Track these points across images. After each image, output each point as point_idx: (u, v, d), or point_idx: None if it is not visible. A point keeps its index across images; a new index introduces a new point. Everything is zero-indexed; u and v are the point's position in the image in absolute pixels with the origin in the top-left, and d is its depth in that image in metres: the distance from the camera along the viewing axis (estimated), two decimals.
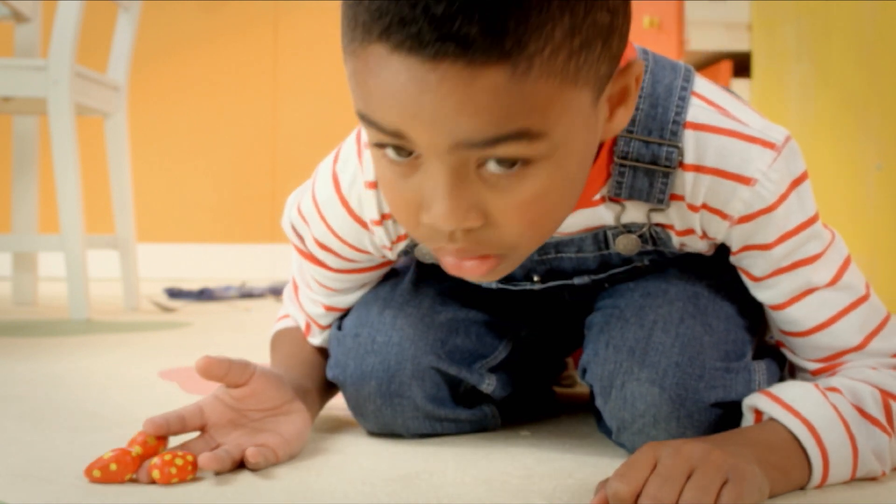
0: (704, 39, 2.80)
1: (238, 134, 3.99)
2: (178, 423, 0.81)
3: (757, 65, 2.77)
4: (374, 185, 0.87)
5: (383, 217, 0.88)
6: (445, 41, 0.61)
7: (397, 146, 0.67)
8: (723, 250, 0.89)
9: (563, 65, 0.63)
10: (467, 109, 0.63)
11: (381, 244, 0.91)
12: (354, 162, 0.88)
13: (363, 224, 0.90)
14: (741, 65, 2.83)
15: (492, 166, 0.66)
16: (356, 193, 0.88)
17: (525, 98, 0.63)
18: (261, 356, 1.70)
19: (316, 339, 1.02)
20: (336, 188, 0.89)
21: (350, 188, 0.89)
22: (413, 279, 0.98)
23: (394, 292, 0.96)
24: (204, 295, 2.86)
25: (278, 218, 3.93)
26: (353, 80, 0.67)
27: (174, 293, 2.89)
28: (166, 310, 2.49)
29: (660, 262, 0.90)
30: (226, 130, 3.99)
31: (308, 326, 1.02)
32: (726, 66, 2.81)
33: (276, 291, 3.00)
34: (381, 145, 0.68)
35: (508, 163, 0.66)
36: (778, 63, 2.66)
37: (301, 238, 0.96)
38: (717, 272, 0.90)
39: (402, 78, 0.63)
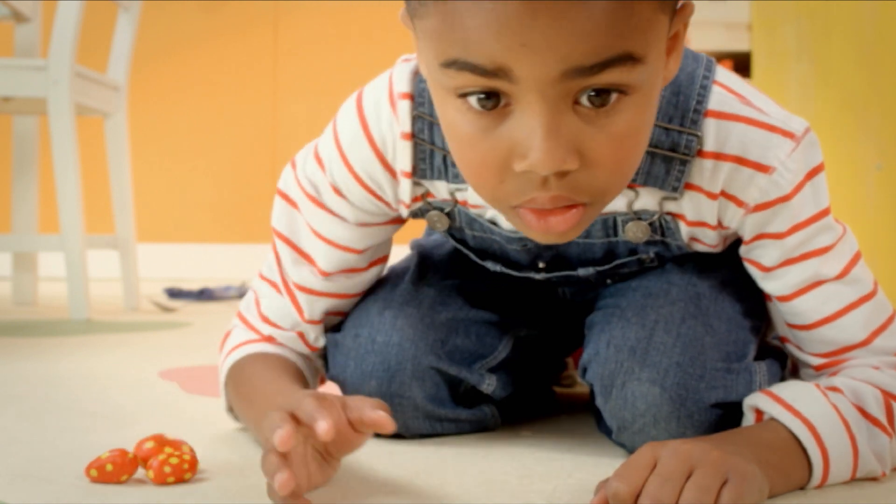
0: (704, 39, 2.79)
1: (238, 134, 3.98)
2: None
3: (757, 65, 2.77)
4: (409, 136, 0.86)
5: (413, 170, 0.87)
6: None
7: (487, 93, 0.66)
8: (727, 251, 0.89)
9: None
10: (582, 29, 0.62)
11: (401, 199, 0.89)
12: (388, 112, 0.86)
13: (393, 173, 0.88)
14: (741, 65, 2.82)
15: (586, 101, 0.65)
16: (391, 144, 0.86)
17: (630, 18, 0.63)
18: None
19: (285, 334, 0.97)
20: (367, 136, 0.87)
21: (384, 138, 0.87)
22: (413, 279, 0.98)
23: (393, 292, 0.96)
24: (204, 295, 2.86)
25: None
26: (442, 28, 0.65)
27: (174, 293, 2.89)
28: (166, 310, 2.49)
29: (663, 256, 0.90)
30: (226, 130, 3.98)
31: (270, 338, 0.98)
32: (726, 66, 2.80)
33: None
34: (465, 95, 0.66)
35: (604, 96, 0.65)
36: (778, 63, 2.66)
37: (312, 190, 0.92)
38: (719, 273, 0.90)
39: (511, 5, 0.61)
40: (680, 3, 0.71)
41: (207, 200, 3.98)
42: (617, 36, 0.63)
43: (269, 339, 0.98)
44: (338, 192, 0.90)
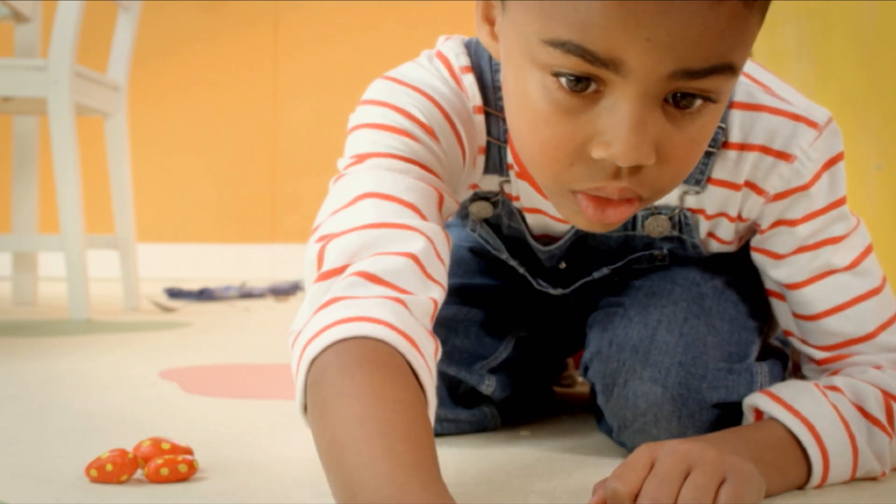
0: None
1: (238, 134, 3.98)
2: None
3: None
4: (481, 109, 0.84)
5: (486, 146, 0.85)
6: None
7: (582, 76, 0.65)
8: (731, 253, 0.90)
9: (766, 3, 0.65)
10: (706, 35, 0.62)
11: (472, 181, 0.87)
12: (454, 89, 0.84)
13: (464, 152, 0.84)
14: None
15: (673, 101, 0.66)
16: (467, 116, 0.84)
17: (745, 30, 0.64)
18: (261, 356, 1.70)
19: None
20: (440, 109, 0.82)
21: (458, 113, 0.83)
22: None
23: None
24: (204, 295, 2.86)
25: (278, 218, 3.95)
26: (552, 7, 0.63)
27: (174, 293, 2.89)
28: (166, 310, 2.49)
29: (675, 255, 0.90)
30: (226, 130, 3.98)
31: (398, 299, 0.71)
32: None
33: (276, 291, 3.00)
34: (559, 74, 0.65)
35: (690, 99, 0.66)
36: (778, 63, 2.66)
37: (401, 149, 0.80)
38: (722, 274, 0.90)
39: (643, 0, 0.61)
40: None
41: (207, 200, 3.97)
42: (730, 46, 0.64)
43: (398, 300, 0.70)
44: (432, 133, 0.81)
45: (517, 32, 0.68)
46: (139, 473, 0.79)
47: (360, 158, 0.80)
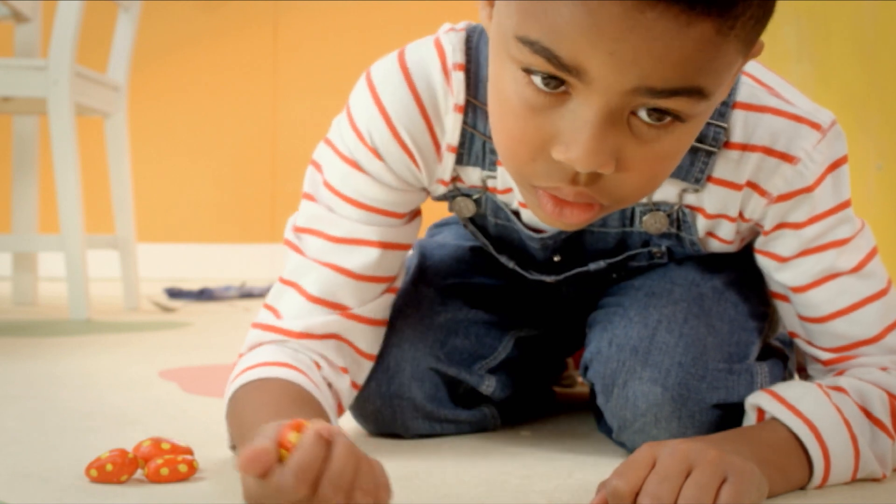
0: None
1: (238, 134, 3.98)
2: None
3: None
4: (461, 108, 0.84)
5: (459, 146, 0.86)
6: None
7: (553, 77, 0.65)
8: (731, 254, 0.89)
9: (748, 32, 0.64)
10: (669, 57, 0.62)
11: (440, 176, 0.87)
12: (440, 79, 0.84)
13: (437, 145, 0.85)
14: None
15: (643, 114, 0.65)
16: (440, 113, 0.84)
17: (716, 58, 0.63)
18: None
19: (358, 309, 0.87)
20: (415, 96, 0.84)
21: (435, 104, 0.84)
22: (413, 279, 0.98)
23: None
24: (204, 295, 2.86)
25: (278, 218, 3.94)
26: (528, 5, 0.64)
27: (174, 293, 2.89)
28: (166, 310, 2.49)
29: (673, 253, 0.90)
30: (226, 130, 3.98)
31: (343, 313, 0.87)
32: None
33: None
34: (530, 72, 0.66)
35: (660, 115, 0.65)
36: (778, 63, 2.66)
37: (352, 153, 0.86)
38: (722, 274, 0.90)
39: (612, 10, 0.61)
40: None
41: (207, 200, 3.98)
42: (697, 70, 0.63)
43: (301, 335, 0.85)
44: (377, 154, 0.85)
45: (500, 22, 0.69)
46: (139, 473, 0.79)
47: (309, 198, 0.89)
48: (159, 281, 3.60)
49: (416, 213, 0.92)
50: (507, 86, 0.68)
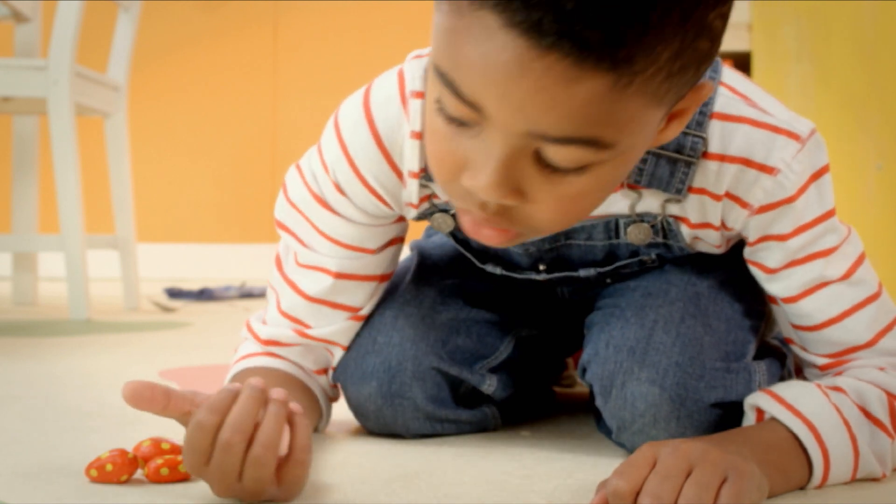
0: None
1: (238, 134, 3.99)
2: (162, 398, 0.73)
3: (757, 65, 2.77)
4: (419, 135, 0.84)
5: (421, 170, 0.86)
6: (564, 37, 0.60)
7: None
8: (727, 252, 0.89)
9: (657, 86, 0.63)
10: (558, 107, 0.62)
11: (408, 200, 0.88)
12: (398, 110, 0.85)
13: (399, 174, 0.87)
14: (741, 65, 2.82)
15: (550, 156, 0.66)
16: (398, 144, 0.85)
17: (614, 111, 0.63)
18: None
19: (315, 331, 0.93)
20: (374, 135, 0.85)
21: (392, 137, 0.85)
22: (413, 279, 0.98)
23: (394, 292, 0.96)
24: (204, 295, 2.86)
25: None
26: (444, 36, 0.65)
27: (174, 293, 2.89)
28: (166, 310, 2.49)
29: (665, 258, 0.90)
30: (226, 130, 3.98)
31: (299, 330, 0.93)
32: (726, 66, 2.81)
33: None
34: (440, 101, 0.67)
35: (567, 160, 0.66)
36: (778, 63, 2.66)
37: (317, 182, 0.90)
38: (718, 273, 0.90)
39: (505, 55, 0.61)
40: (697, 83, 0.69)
41: (207, 200, 3.98)
42: (590, 122, 0.63)
43: (268, 342, 0.94)
44: (340, 189, 0.88)
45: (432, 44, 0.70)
46: (139, 473, 0.79)
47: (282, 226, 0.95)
48: (159, 281, 3.61)
49: (391, 242, 0.93)
50: (429, 107, 0.70)
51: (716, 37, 0.65)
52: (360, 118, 0.86)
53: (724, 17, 0.65)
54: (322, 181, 0.89)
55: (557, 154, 0.65)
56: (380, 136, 0.86)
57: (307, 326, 0.93)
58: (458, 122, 0.67)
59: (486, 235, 0.72)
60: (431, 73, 0.67)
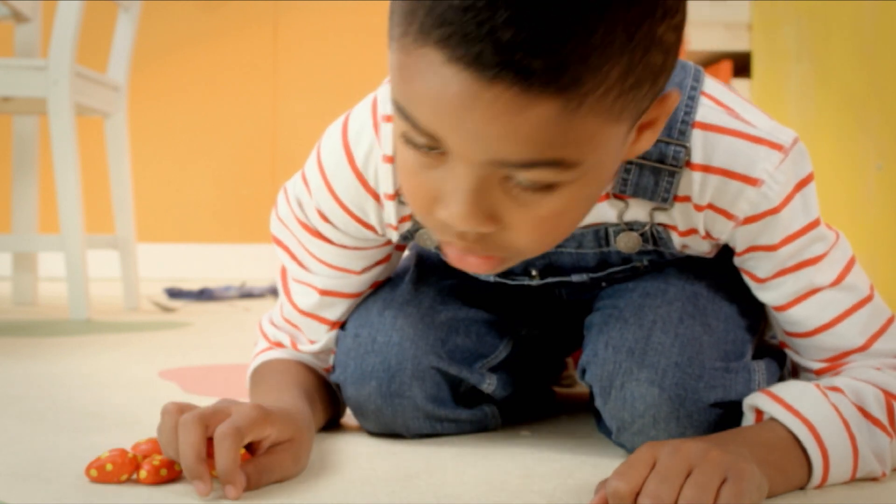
0: (704, 39, 2.80)
1: (238, 134, 3.99)
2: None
3: (757, 65, 2.77)
4: (391, 159, 0.85)
5: (397, 192, 0.87)
6: (506, 67, 0.60)
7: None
8: (723, 252, 0.89)
9: (612, 104, 0.63)
10: (512, 135, 0.63)
11: (388, 222, 0.89)
12: (370, 135, 0.86)
13: (376, 197, 0.88)
14: (741, 65, 2.82)
15: (518, 180, 0.66)
16: (373, 167, 0.87)
17: (569, 132, 0.63)
18: None
19: (304, 346, 0.99)
20: (350, 161, 0.87)
21: (366, 162, 0.87)
22: (413, 279, 0.98)
23: (394, 292, 0.96)
24: (204, 295, 2.86)
25: None
26: (396, 73, 0.66)
27: (174, 293, 2.89)
28: (166, 310, 2.49)
29: (658, 262, 0.90)
30: (226, 130, 3.98)
31: (293, 341, 0.99)
32: (726, 66, 2.81)
33: (276, 291, 3.00)
34: (404, 134, 0.68)
35: (531, 183, 0.66)
36: (778, 63, 2.66)
37: (302, 209, 0.93)
38: (716, 272, 0.90)
39: (452, 89, 0.62)
40: (661, 94, 0.69)
41: (207, 200, 3.98)
42: (547, 145, 0.63)
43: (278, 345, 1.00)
44: (323, 217, 0.91)
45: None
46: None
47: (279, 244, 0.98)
48: (159, 281, 3.61)
49: (377, 263, 0.96)
50: (398, 147, 0.70)
51: (669, 49, 0.65)
52: (339, 149, 0.88)
53: (678, 29, 0.66)
54: (307, 207, 0.92)
55: (524, 178, 0.65)
56: (357, 165, 0.87)
57: (301, 335, 0.99)
58: (425, 152, 0.67)
59: (472, 264, 0.72)
60: (392, 107, 0.68)
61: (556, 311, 1.02)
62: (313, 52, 3.97)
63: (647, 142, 0.72)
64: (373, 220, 0.89)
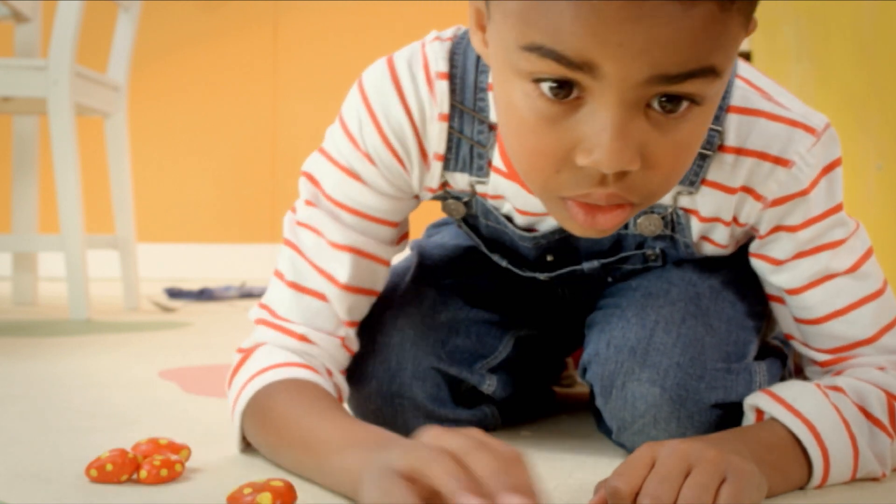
0: None
1: (238, 134, 3.99)
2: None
3: (757, 65, 2.77)
4: (445, 117, 0.84)
5: (447, 154, 0.86)
6: None
7: (562, 82, 0.65)
8: (726, 255, 0.89)
9: (748, 5, 0.64)
10: (680, 39, 0.62)
11: (427, 185, 0.88)
12: (425, 89, 0.85)
13: (423, 153, 0.86)
14: None
15: (657, 105, 0.65)
16: (428, 120, 0.85)
17: (723, 33, 0.63)
18: None
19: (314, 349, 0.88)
20: (403, 104, 0.85)
21: (422, 112, 0.85)
22: (413, 279, 0.98)
23: (394, 292, 0.96)
24: (204, 295, 2.86)
25: (278, 218, 3.94)
26: (526, 12, 0.64)
27: (174, 293, 2.89)
28: (166, 310, 2.49)
29: (668, 253, 0.90)
30: (226, 130, 3.98)
31: (304, 336, 0.88)
32: (741, 60, 2.81)
33: None
34: (539, 80, 0.65)
35: (676, 103, 0.65)
36: (778, 63, 2.66)
37: (344, 161, 0.88)
38: (719, 274, 0.90)
39: (614, 4, 0.61)
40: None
41: (207, 200, 3.98)
42: (708, 49, 0.63)
43: (303, 338, 0.87)
44: (369, 158, 0.86)
45: (500, 40, 0.68)
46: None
47: (312, 204, 0.90)
48: (159, 281, 3.61)
49: (403, 237, 0.93)
50: (518, 103, 0.68)
51: None
52: (389, 86, 0.85)
53: None
54: (350, 153, 0.87)
55: (675, 93, 0.65)
56: (409, 106, 0.85)
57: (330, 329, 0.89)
58: (563, 102, 0.65)
59: (602, 221, 0.70)
60: (519, 59, 0.65)
61: (556, 311, 1.02)
62: (313, 52, 3.97)
63: (730, 71, 0.71)
64: (412, 170, 0.87)
